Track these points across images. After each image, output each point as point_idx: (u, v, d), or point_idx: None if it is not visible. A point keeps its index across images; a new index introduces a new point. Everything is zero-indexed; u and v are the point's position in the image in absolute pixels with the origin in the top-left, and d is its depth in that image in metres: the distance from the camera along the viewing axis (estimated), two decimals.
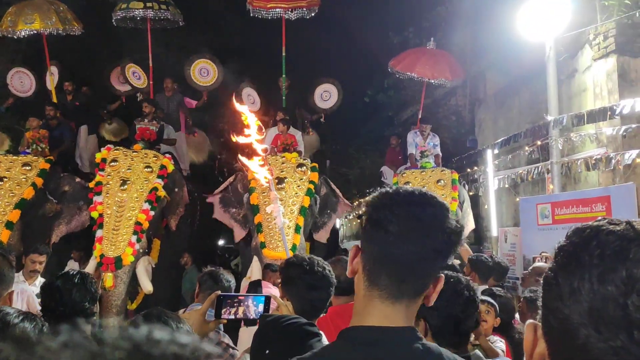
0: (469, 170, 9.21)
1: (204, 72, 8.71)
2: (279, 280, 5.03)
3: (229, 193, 7.26)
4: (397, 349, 1.01)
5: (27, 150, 7.19)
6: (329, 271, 2.25)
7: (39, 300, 2.53)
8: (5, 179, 6.53)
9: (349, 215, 11.75)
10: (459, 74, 8.66)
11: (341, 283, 3.10)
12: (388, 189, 1.10)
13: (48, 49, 8.28)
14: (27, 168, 6.71)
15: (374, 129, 12.39)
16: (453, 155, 9.42)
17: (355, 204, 13.94)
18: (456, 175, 7.45)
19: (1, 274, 2.00)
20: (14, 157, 6.91)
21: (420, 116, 8.56)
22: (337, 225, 13.04)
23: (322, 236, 7.33)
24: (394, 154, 9.07)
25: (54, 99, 8.31)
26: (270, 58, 8.94)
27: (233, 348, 2.80)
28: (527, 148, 7.78)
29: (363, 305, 1.06)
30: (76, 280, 2.36)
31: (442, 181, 7.13)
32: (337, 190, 7.47)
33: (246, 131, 3.57)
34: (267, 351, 1.49)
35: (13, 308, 1.64)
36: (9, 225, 6.24)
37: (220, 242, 12.56)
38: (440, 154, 8.07)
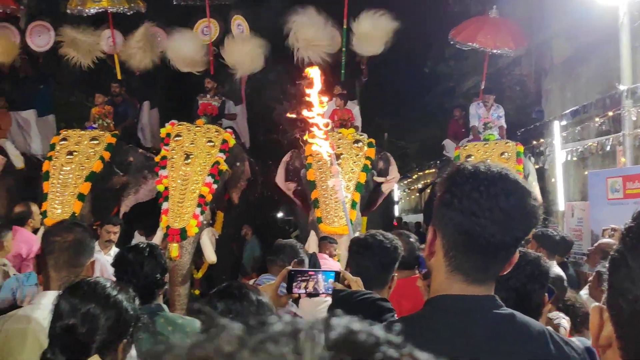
0: (534, 142, 8.91)
1: (206, 31, 8.54)
2: (335, 252, 5.17)
3: (286, 171, 7.30)
4: (485, 313, 1.06)
5: (94, 125, 7.50)
6: (380, 241, 2.20)
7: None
8: (75, 153, 6.85)
9: (407, 189, 11.63)
10: (522, 43, 8.30)
11: (403, 257, 3.13)
12: (466, 167, 1.07)
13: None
14: (95, 142, 7.00)
15: (434, 100, 12.14)
16: (518, 127, 9.11)
17: (414, 177, 13.80)
18: (521, 148, 7.22)
19: (85, 244, 2.12)
20: (82, 131, 7.22)
21: (482, 87, 8.31)
22: (396, 199, 12.97)
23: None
24: (457, 127, 8.86)
25: (119, 76, 8.59)
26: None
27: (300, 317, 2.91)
28: (597, 119, 7.42)
29: (445, 286, 1.08)
30: (146, 253, 2.47)
31: (506, 154, 6.93)
32: (394, 168, 7.27)
33: (308, 105, 3.59)
34: None
35: (107, 279, 1.71)
36: (80, 197, 6.58)
37: (280, 215, 12.78)
38: (505, 126, 7.82)
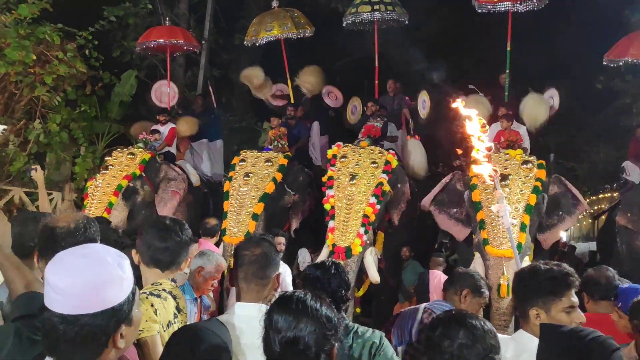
0: None
1: (353, 108, 8.93)
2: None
3: (444, 194, 7.13)
4: None
5: (270, 147, 8.05)
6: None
7: None
8: (251, 175, 7.30)
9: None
10: None
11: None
12: None
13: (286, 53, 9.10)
14: (269, 164, 7.43)
15: (607, 118, 11.16)
16: None
17: (586, 202, 12.74)
18: None
19: (271, 258, 2.21)
20: (259, 153, 7.73)
21: None
22: None
23: (547, 238, 6.83)
24: (639, 148, 8.07)
25: (292, 100, 9.16)
26: (491, 52, 8.62)
27: None
28: None
29: None
30: (333, 270, 2.61)
31: None
32: (577, 192, 6.84)
33: (469, 128, 3.51)
34: None
35: (306, 292, 1.77)
36: (254, 217, 6.97)
37: (438, 238, 12.51)
38: None
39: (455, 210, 7.02)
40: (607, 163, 9.85)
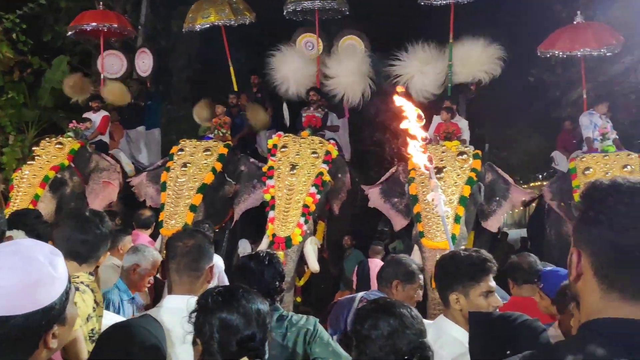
0: None
1: (308, 45, 8.78)
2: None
3: (390, 183, 7.27)
4: None
5: (210, 135, 7.90)
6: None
7: None
8: (189, 165, 7.15)
9: None
10: (610, 41, 7.91)
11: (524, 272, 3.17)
12: (603, 182, 1.06)
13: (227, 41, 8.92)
14: (208, 153, 7.30)
15: (539, 110, 11.63)
16: (634, 138, 8.53)
17: None
18: None
19: (204, 249, 2.16)
20: (198, 142, 7.57)
21: (585, 95, 7.98)
22: None
23: (492, 224, 7.09)
24: (567, 138, 8.47)
25: (235, 88, 8.99)
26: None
27: None
28: None
29: (600, 307, 1.03)
30: (266, 262, 2.59)
31: (629, 167, 6.48)
32: (507, 176, 7.14)
33: (405, 119, 3.55)
34: (508, 352, 1.52)
35: (238, 285, 1.78)
36: (192, 208, 6.86)
37: (379, 227, 12.70)
38: (617, 137, 7.38)
39: (396, 200, 7.16)
40: (539, 153, 10.25)
